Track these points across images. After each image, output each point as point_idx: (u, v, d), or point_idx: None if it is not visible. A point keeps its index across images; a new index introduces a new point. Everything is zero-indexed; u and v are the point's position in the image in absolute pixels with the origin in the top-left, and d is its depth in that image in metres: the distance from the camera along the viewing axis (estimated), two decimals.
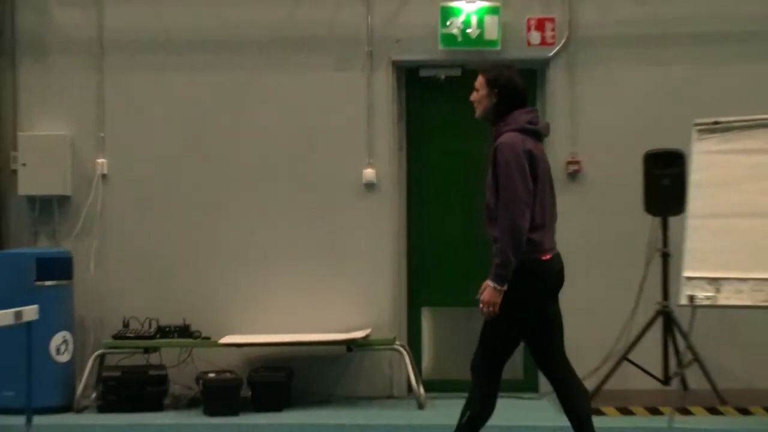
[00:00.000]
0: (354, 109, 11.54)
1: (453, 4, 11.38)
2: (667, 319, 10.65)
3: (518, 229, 6.94)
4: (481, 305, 7.00)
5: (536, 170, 7.10)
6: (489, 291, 6.97)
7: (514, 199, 6.99)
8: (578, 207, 11.03)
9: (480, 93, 7.38)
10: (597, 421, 9.60)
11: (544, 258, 7.13)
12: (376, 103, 11.55)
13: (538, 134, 7.32)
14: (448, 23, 11.39)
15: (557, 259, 7.28)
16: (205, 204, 11.60)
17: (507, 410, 10.60)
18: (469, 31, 11.37)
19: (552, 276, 7.23)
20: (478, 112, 7.41)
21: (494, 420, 10.13)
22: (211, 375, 10.82)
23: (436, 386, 11.44)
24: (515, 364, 11.63)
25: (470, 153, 11.70)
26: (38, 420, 8.74)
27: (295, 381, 11.17)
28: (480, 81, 7.39)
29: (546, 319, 7.26)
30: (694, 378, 10.71)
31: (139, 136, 11.67)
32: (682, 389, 10.57)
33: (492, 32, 11.36)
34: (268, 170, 11.59)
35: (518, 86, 7.36)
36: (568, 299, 7.58)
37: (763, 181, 9.55)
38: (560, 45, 11.37)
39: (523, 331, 7.21)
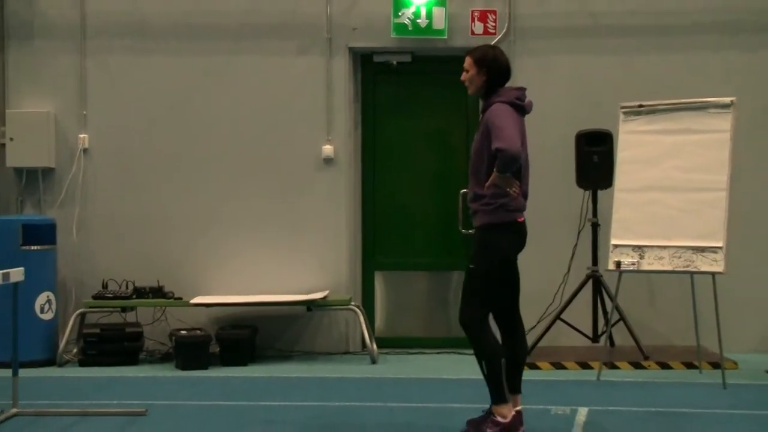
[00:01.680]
0: (314, 90, 11.49)
1: None
2: (596, 282, 10.69)
3: (516, 153, 7.01)
4: (508, 191, 7.15)
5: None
6: (502, 181, 7.10)
7: (512, 137, 7.04)
8: None
9: (470, 73, 7.42)
10: (533, 374, 9.74)
11: (519, 220, 7.32)
12: (334, 85, 11.49)
13: (523, 110, 7.39)
14: (399, 14, 11.35)
15: (525, 223, 7.41)
16: (178, 176, 11.52)
17: (452, 365, 10.73)
18: (418, 21, 11.35)
19: (523, 235, 7.41)
20: (471, 89, 7.46)
21: (441, 374, 10.20)
22: (183, 332, 10.76)
23: (387, 343, 11.49)
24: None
25: (418, 130, 11.83)
26: (23, 373, 8.67)
27: (259, 338, 11.16)
28: (469, 61, 7.42)
29: (510, 276, 7.44)
30: (620, 336, 10.80)
31: (117, 114, 11.56)
32: (610, 346, 10.61)
33: (439, 22, 11.34)
34: (235, 146, 11.52)
35: (503, 63, 7.42)
36: None
37: (680, 158, 9.58)
38: (501, 35, 11.34)
39: (498, 277, 7.32)
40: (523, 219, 7.36)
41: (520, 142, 7.17)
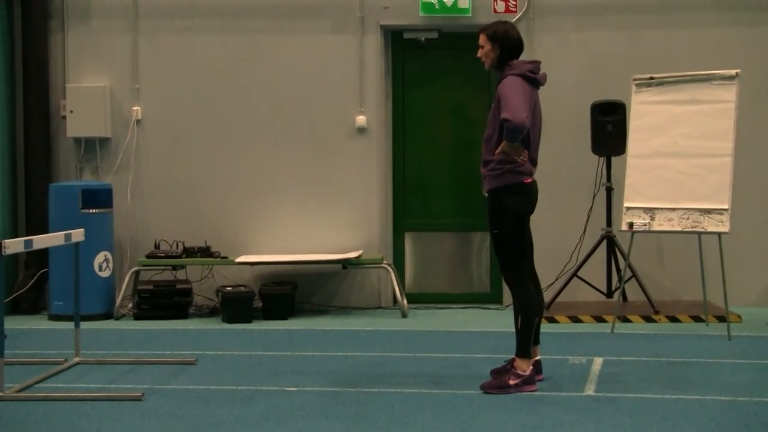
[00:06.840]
0: (348, 65, 11.42)
1: None
2: (610, 242, 10.64)
3: (520, 124, 6.94)
4: (516, 159, 7.09)
5: (529, 111, 7.12)
6: (511, 149, 7.04)
7: (518, 109, 6.96)
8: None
9: (485, 48, 7.34)
10: (552, 327, 9.72)
11: (526, 181, 7.21)
12: (367, 60, 11.42)
13: (536, 82, 7.29)
14: None
15: (535, 184, 7.32)
16: (222, 144, 11.50)
17: (476, 318, 10.70)
18: None
19: (533, 195, 7.31)
20: (487, 64, 7.38)
21: (466, 327, 10.17)
22: (229, 288, 10.78)
23: (416, 298, 11.45)
24: (483, 280, 11.60)
25: (444, 101, 11.74)
26: (84, 326, 8.71)
27: (298, 293, 11.17)
28: (483, 38, 7.36)
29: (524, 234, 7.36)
30: (632, 291, 10.75)
31: (167, 88, 11.55)
32: (622, 300, 10.56)
33: (464, 1, 11.26)
34: (276, 117, 11.48)
35: (514, 36, 7.33)
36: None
37: (686, 127, 9.49)
38: (521, 13, 11.25)
39: (521, 235, 7.25)
40: (530, 180, 7.24)
41: (529, 113, 7.08)
